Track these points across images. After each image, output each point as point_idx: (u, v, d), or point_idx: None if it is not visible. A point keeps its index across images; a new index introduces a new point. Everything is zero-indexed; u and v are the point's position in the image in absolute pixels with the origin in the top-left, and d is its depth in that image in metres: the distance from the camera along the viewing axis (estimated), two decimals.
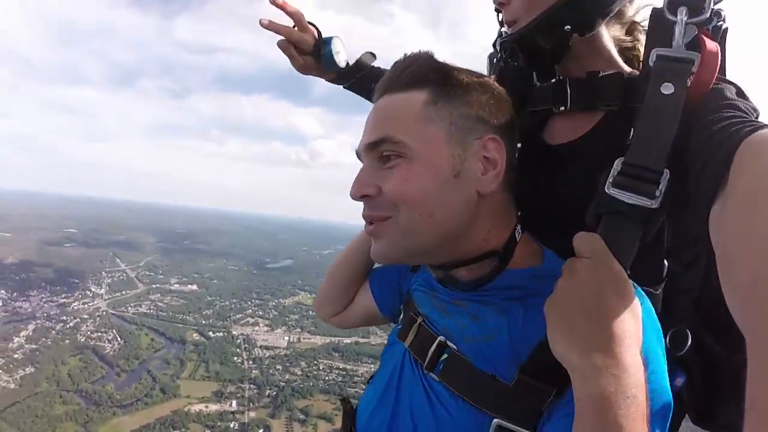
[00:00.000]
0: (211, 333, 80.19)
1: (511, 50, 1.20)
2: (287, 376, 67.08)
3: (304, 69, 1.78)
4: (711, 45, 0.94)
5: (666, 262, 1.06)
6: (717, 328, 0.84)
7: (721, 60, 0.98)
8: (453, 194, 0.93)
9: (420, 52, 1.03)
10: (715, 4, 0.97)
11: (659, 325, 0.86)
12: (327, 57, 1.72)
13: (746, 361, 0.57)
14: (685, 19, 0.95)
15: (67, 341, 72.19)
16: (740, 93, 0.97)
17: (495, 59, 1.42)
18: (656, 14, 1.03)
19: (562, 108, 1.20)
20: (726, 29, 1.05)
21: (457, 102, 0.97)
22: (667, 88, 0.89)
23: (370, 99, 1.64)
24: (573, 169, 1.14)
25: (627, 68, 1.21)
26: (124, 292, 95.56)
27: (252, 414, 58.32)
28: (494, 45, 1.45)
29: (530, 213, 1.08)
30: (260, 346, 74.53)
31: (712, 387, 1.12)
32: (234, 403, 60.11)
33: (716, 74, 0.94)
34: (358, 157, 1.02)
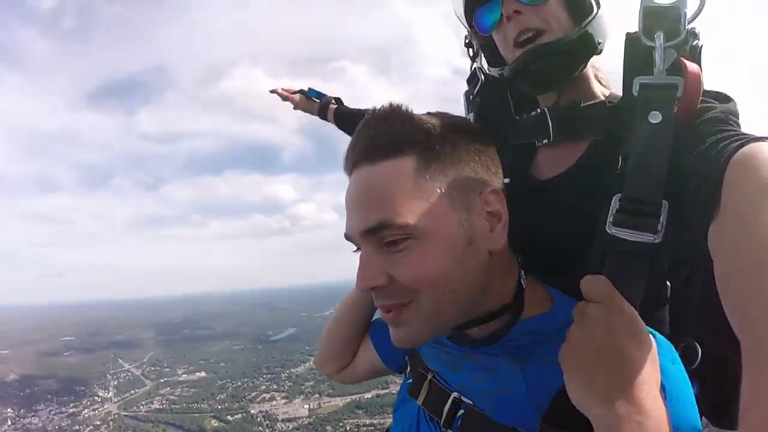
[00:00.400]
0: (229, 417, 77.48)
1: (524, 66, 1.13)
2: None
3: (302, 106, 2.51)
4: (692, 67, 0.94)
5: (669, 283, 1.05)
6: (724, 333, 0.82)
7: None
8: (470, 262, 0.90)
9: (389, 108, 0.95)
10: (689, 23, 0.98)
11: (677, 356, 0.87)
12: (310, 92, 2.49)
13: None
14: (663, 44, 0.94)
15: None
16: (724, 99, 0.99)
17: (471, 96, 1.38)
18: (632, 40, 1.02)
19: (545, 141, 1.20)
20: (701, 47, 1.03)
21: (448, 161, 0.91)
22: (655, 117, 0.88)
23: (345, 131, 2.26)
24: (566, 201, 1.12)
25: (604, 90, 1.23)
26: (133, 392, 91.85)
27: None
28: (468, 82, 1.42)
29: (528, 252, 1.06)
30: (282, 420, 72.38)
31: (726, 388, 1.10)
32: None
33: (700, 95, 0.94)
34: (348, 239, 0.95)
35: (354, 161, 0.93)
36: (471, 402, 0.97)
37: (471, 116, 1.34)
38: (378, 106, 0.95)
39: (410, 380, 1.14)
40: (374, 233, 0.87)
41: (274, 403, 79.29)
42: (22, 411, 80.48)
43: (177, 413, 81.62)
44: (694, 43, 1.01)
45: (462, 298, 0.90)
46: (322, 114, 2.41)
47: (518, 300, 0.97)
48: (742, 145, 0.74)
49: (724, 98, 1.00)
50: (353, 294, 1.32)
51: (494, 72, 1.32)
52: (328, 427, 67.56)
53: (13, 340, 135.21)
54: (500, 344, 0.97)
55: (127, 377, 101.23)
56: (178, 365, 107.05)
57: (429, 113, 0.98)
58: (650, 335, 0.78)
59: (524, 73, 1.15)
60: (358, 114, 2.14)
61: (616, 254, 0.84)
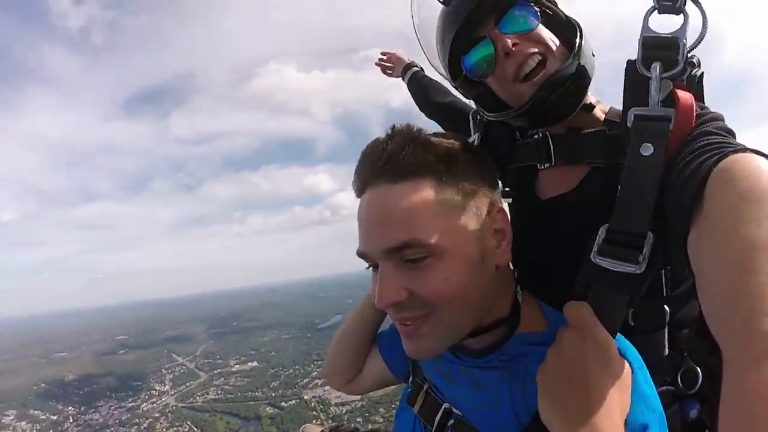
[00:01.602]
0: (283, 403, 77.98)
1: (543, 102, 1.13)
2: (369, 426, 63.22)
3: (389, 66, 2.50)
4: (684, 98, 0.94)
5: (666, 307, 1.08)
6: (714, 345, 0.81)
7: (699, 95, 1.04)
8: (483, 277, 0.94)
9: (406, 129, 0.97)
10: (688, 52, 0.98)
11: (651, 384, 0.88)
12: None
13: None
14: (659, 75, 0.95)
15: None
16: (714, 118, 0.99)
17: (479, 117, 1.38)
18: (631, 69, 1.02)
19: (547, 165, 1.22)
20: (701, 74, 1.05)
21: (463, 182, 0.95)
22: (647, 149, 0.89)
23: (420, 99, 2.19)
24: (568, 220, 1.14)
25: (603, 107, 1.25)
26: (188, 384, 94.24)
27: None
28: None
29: (530, 267, 1.11)
30: (335, 404, 71.69)
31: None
32: None
33: (693, 124, 0.94)
34: (363, 257, 0.97)
35: (369, 180, 0.95)
36: (460, 413, 1.03)
37: (477, 136, 1.39)
38: (393, 126, 0.98)
39: (410, 389, 1.21)
40: (398, 252, 0.89)
41: (326, 388, 78.26)
42: (82, 408, 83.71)
43: (233, 402, 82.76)
44: (693, 72, 1.01)
45: (476, 310, 0.94)
46: (404, 72, 2.37)
47: (515, 314, 1.01)
48: (722, 157, 0.75)
49: (717, 117, 1.00)
50: (359, 309, 1.36)
51: (497, 118, 1.27)
52: (381, 409, 66.14)
53: (69, 343, 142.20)
54: (495, 356, 1.00)
55: (181, 370, 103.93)
56: (230, 356, 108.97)
57: (442, 134, 1.01)
58: (624, 363, 0.81)
59: (542, 108, 1.15)
60: (429, 85, 2.15)
61: (598, 282, 0.87)
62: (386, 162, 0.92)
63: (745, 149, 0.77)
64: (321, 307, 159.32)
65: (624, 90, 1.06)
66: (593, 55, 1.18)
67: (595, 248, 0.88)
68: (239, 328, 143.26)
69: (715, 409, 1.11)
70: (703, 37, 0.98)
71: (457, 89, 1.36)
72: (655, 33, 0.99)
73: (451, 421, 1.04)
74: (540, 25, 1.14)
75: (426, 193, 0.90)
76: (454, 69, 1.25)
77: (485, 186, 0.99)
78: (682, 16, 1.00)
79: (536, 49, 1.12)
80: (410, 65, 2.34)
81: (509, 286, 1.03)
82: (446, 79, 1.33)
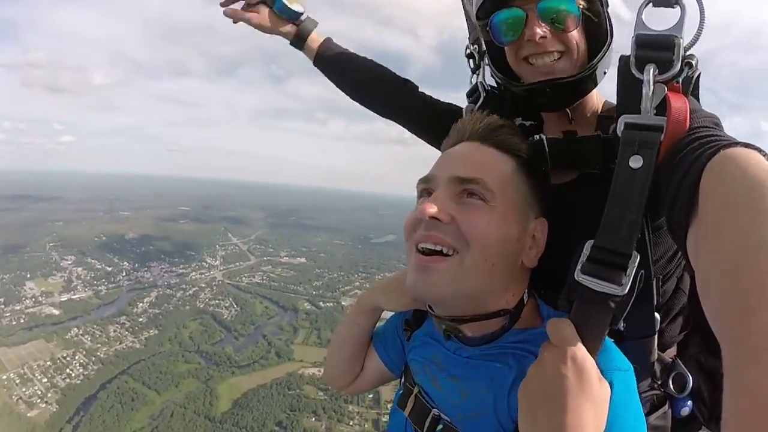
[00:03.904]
0: (321, 303, 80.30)
1: (538, 94, 1.20)
2: None
3: (262, 24, 1.79)
4: (677, 106, 0.91)
5: (657, 315, 1.11)
6: (715, 346, 0.79)
7: (695, 96, 1.03)
8: (511, 255, 0.99)
9: (495, 116, 1.12)
10: (686, 51, 0.94)
11: (637, 402, 0.89)
12: (278, 5, 1.76)
13: None
14: (653, 79, 0.92)
15: (188, 307, 75.75)
16: (708, 118, 0.96)
17: (473, 111, 1.36)
18: (624, 68, 0.99)
19: (543, 168, 1.22)
20: (698, 75, 1.02)
21: (530, 181, 1.05)
22: (636, 161, 0.87)
23: (327, 73, 1.82)
24: (559, 216, 1.12)
25: (600, 99, 1.30)
26: (237, 264, 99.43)
27: None
28: (469, 95, 1.47)
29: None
30: None
31: (719, 404, 1.10)
32: None
33: (685, 133, 0.91)
34: (426, 182, 1.04)
35: (468, 136, 1.08)
36: (449, 419, 1.07)
37: (477, 105, 1.41)
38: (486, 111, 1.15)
39: (401, 391, 1.24)
40: (465, 183, 0.97)
41: None
42: (136, 265, 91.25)
43: (275, 290, 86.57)
44: (689, 73, 0.98)
45: (493, 276, 0.97)
46: (298, 42, 1.85)
47: (518, 310, 1.03)
48: (714, 153, 0.74)
49: (711, 117, 0.98)
50: (352, 315, 1.37)
51: (500, 80, 1.33)
52: None
53: (134, 204, 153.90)
54: (491, 347, 1.03)
55: (234, 250, 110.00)
56: (282, 248, 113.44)
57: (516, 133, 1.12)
58: (604, 383, 0.82)
59: (537, 98, 1.23)
60: (349, 59, 1.82)
61: (581, 300, 0.87)
62: (486, 129, 1.06)
63: (736, 143, 0.75)
64: (378, 223, 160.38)
65: (617, 91, 1.05)
66: (604, 73, 1.21)
67: (578, 266, 0.87)
68: (296, 223, 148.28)
69: (708, 403, 1.11)
70: (700, 35, 0.94)
71: (477, 28, 1.34)
72: (650, 30, 0.96)
73: (440, 426, 1.07)
74: (577, 30, 1.15)
75: (507, 164, 1.03)
76: (482, 11, 1.23)
77: (538, 193, 1.07)
78: (678, 9, 0.96)
79: (560, 47, 1.14)
80: (309, 30, 1.84)
81: (522, 287, 1.05)
82: (472, 20, 1.34)
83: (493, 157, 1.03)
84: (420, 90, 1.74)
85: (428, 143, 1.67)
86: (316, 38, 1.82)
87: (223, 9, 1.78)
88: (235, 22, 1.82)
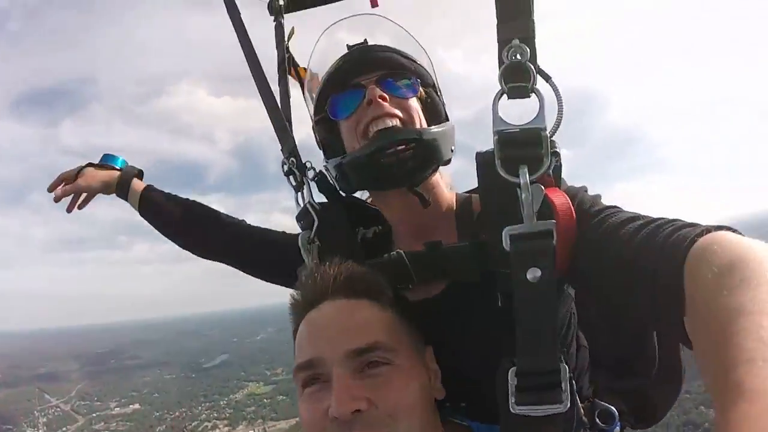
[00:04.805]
0: None
1: (376, 150, 1.10)
2: None
3: (91, 185, 1.76)
4: (561, 204, 0.88)
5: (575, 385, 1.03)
6: (620, 369, 0.93)
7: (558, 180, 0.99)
8: (429, 400, 0.98)
9: (352, 262, 1.06)
10: (550, 137, 0.91)
11: None
12: (106, 158, 1.86)
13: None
14: (528, 180, 0.87)
15: None
16: (592, 200, 0.98)
17: (309, 241, 1.30)
18: (488, 168, 0.94)
19: (410, 286, 1.17)
20: (560, 163, 0.98)
21: (405, 315, 1.04)
22: (533, 274, 0.83)
23: (149, 219, 1.77)
24: (445, 331, 1.11)
25: (451, 194, 1.28)
26: (64, 429, 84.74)
27: None
28: (300, 219, 1.37)
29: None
30: None
31: (649, 405, 1.32)
32: None
33: (575, 231, 0.89)
34: (310, 366, 0.95)
35: (326, 295, 1.01)
36: None
37: (313, 263, 1.28)
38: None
39: None
40: (365, 354, 0.91)
41: (217, 431, 77.72)
42: None
43: None
44: (558, 162, 0.95)
45: (427, 428, 0.95)
46: (122, 189, 1.78)
47: None
48: (693, 241, 0.70)
49: (592, 197, 0.99)
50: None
51: (333, 162, 1.24)
52: None
53: None
54: None
55: (56, 413, 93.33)
56: (110, 398, 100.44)
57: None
58: None
59: (374, 158, 1.10)
60: (169, 203, 1.76)
61: (527, 428, 0.85)
62: (348, 281, 1.00)
63: (710, 229, 0.72)
64: (205, 345, 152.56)
65: (482, 192, 1.01)
66: (452, 150, 1.17)
67: (512, 399, 0.84)
68: (118, 367, 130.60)
69: (630, 417, 1.28)
70: (561, 120, 0.91)
71: (313, 127, 1.32)
72: (510, 125, 0.91)
73: None
74: (415, 99, 1.16)
75: (385, 314, 0.98)
76: (319, 103, 1.25)
77: (417, 326, 1.05)
78: (535, 97, 0.92)
79: (399, 114, 1.12)
80: (131, 175, 1.79)
81: (437, 418, 1.02)
82: (309, 110, 1.33)
83: (371, 310, 0.97)
84: (246, 223, 1.69)
85: (262, 279, 1.64)
86: (137, 183, 1.77)
87: (54, 197, 1.74)
88: (80, 207, 1.82)
